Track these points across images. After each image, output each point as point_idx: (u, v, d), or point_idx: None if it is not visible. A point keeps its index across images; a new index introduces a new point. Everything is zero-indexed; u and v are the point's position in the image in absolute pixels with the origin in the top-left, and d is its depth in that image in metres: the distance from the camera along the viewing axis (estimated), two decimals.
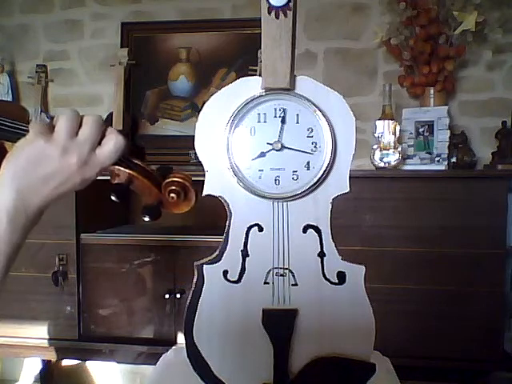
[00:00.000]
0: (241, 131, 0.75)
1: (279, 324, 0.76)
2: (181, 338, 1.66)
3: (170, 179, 0.66)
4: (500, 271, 1.54)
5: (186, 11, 2.12)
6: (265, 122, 0.76)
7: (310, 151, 0.75)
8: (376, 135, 1.70)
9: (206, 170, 0.76)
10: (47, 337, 1.72)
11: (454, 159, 1.78)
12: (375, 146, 1.69)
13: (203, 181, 0.76)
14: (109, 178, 0.65)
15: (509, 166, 1.62)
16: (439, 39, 1.79)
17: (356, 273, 0.77)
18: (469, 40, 1.77)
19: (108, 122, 2.02)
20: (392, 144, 1.67)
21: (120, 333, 1.70)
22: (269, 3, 0.71)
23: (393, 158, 1.67)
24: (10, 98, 2.15)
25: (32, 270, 1.69)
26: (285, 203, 0.76)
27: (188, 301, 0.79)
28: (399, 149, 1.67)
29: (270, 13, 0.71)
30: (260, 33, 0.72)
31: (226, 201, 0.76)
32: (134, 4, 2.16)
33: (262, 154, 0.75)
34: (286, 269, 0.76)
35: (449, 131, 1.74)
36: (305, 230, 0.76)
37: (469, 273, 1.53)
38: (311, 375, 0.78)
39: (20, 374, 2.21)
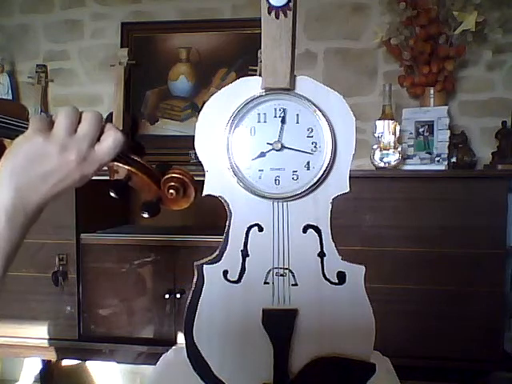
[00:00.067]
0: (241, 131, 0.75)
1: (279, 324, 0.76)
2: (181, 338, 1.66)
3: (169, 175, 0.66)
4: (500, 271, 1.54)
5: (185, 11, 2.12)
6: (265, 122, 0.76)
7: (310, 151, 0.75)
8: (376, 135, 1.70)
9: (206, 170, 0.76)
10: (47, 337, 1.72)
11: (453, 159, 1.78)
12: (375, 146, 1.69)
13: (203, 181, 0.76)
14: (108, 175, 0.65)
15: (509, 166, 1.62)
16: (439, 39, 1.79)
17: (356, 273, 0.77)
18: (469, 40, 1.77)
19: (108, 122, 2.02)
20: (392, 144, 1.67)
21: (120, 333, 1.70)
22: (269, 3, 0.71)
23: (393, 157, 1.67)
24: (10, 98, 2.15)
25: (32, 270, 1.69)
26: (285, 203, 0.76)
27: (188, 301, 0.79)
28: (399, 149, 1.67)
29: (270, 13, 0.71)
30: (260, 33, 0.72)
31: (226, 201, 0.76)
32: (133, 4, 2.16)
33: (262, 154, 0.75)
34: (286, 269, 0.76)
35: (449, 131, 1.74)
36: (305, 229, 0.76)
37: (469, 273, 1.53)
38: (311, 375, 0.78)
39: (20, 373, 2.21)
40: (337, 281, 0.77)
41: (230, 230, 0.77)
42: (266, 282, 0.77)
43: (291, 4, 0.71)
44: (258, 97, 0.74)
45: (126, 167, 0.63)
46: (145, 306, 1.68)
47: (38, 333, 1.71)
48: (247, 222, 0.76)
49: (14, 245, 0.54)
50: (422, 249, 1.54)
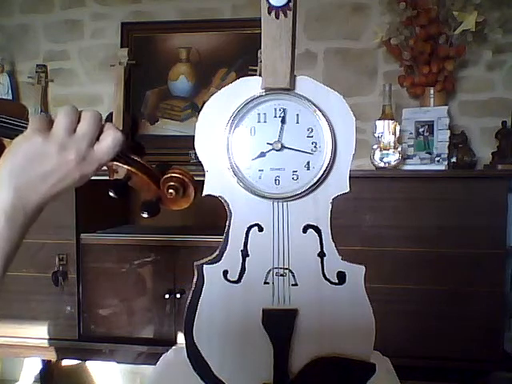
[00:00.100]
0: (241, 131, 0.75)
1: (279, 324, 0.76)
2: (181, 338, 1.66)
3: (169, 175, 0.65)
4: (500, 271, 1.54)
5: (186, 11, 2.12)
6: (265, 122, 0.76)
7: (310, 151, 0.75)
8: (376, 135, 1.70)
9: (206, 170, 0.76)
10: (47, 337, 1.72)
11: (454, 159, 1.78)
12: (375, 146, 1.69)
13: (203, 181, 0.76)
14: (107, 175, 0.64)
15: (509, 166, 1.62)
16: (439, 39, 1.79)
17: (356, 273, 0.77)
18: (469, 40, 1.77)
19: (108, 122, 2.02)
20: (392, 144, 1.67)
21: (120, 333, 1.70)
22: (269, 3, 0.71)
23: (393, 157, 1.67)
24: (10, 98, 2.15)
25: (32, 270, 1.69)
26: (285, 203, 0.76)
27: (188, 301, 0.79)
28: (399, 149, 1.67)
29: (270, 13, 0.71)
30: (260, 33, 0.72)
31: (226, 201, 0.76)
32: (133, 4, 2.16)
33: (262, 154, 0.75)
34: (286, 269, 0.76)
35: (449, 131, 1.74)
36: (305, 229, 0.76)
37: (469, 273, 1.53)
38: (311, 375, 0.78)
39: (20, 373, 2.21)
40: (337, 281, 0.77)
41: (230, 230, 0.77)
42: (265, 282, 0.77)
43: (291, 4, 0.71)
44: (257, 97, 0.74)
45: (126, 167, 0.63)
46: (145, 306, 1.68)
47: (38, 333, 1.71)
48: (247, 222, 0.76)
49: (14, 244, 0.54)
50: (422, 249, 1.54)
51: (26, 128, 0.55)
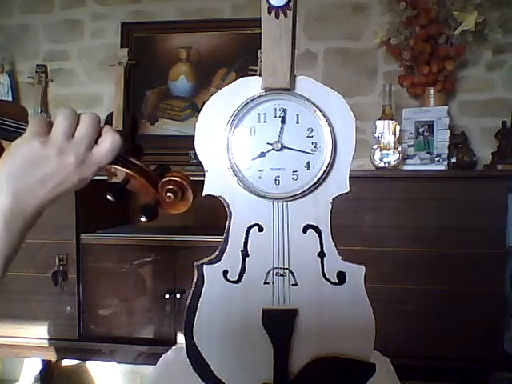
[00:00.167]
0: (241, 131, 0.75)
1: (279, 324, 0.76)
2: (181, 338, 1.66)
3: (167, 178, 0.65)
4: (500, 271, 1.54)
5: (186, 11, 2.12)
6: (265, 122, 0.76)
7: (310, 151, 0.75)
8: (376, 135, 1.70)
9: (206, 169, 0.76)
10: (47, 337, 1.72)
11: (454, 159, 1.78)
12: (375, 146, 1.69)
13: (203, 181, 0.76)
14: (106, 177, 0.64)
15: (509, 166, 1.62)
16: (439, 39, 1.79)
17: (356, 273, 0.77)
18: (469, 40, 1.77)
19: (108, 122, 2.03)
20: (392, 144, 1.67)
21: (120, 333, 1.70)
22: (269, 3, 0.71)
23: (393, 157, 1.67)
24: (9, 98, 2.15)
25: (32, 270, 1.69)
26: (285, 203, 0.76)
27: (188, 301, 0.79)
28: (399, 149, 1.67)
29: (270, 13, 0.71)
30: (260, 33, 0.72)
31: (226, 201, 0.76)
32: (133, 4, 2.16)
33: (262, 154, 0.75)
34: (286, 269, 0.76)
35: (449, 131, 1.74)
36: (305, 229, 0.76)
37: (469, 273, 1.53)
38: (311, 375, 0.78)
39: (20, 373, 2.21)
40: (337, 281, 0.77)
41: (230, 230, 0.77)
42: (265, 282, 0.77)
43: (291, 4, 0.71)
44: (257, 97, 0.74)
45: (124, 170, 0.62)
46: (145, 306, 1.68)
47: (38, 333, 1.71)
48: (247, 222, 0.76)
49: (13, 248, 0.54)
50: (422, 249, 1.54)
51: (25, 130, 0.55)
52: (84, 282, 1.70)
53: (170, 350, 0.97)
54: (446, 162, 1.71)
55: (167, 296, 1.64)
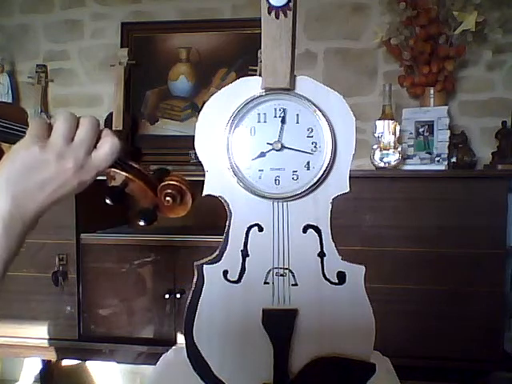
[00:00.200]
0: (241, 131, 0.75)
1: (279, 324, 0.76)
2: (181, 338, 1.66)
3: (166, 182, 0.65)
4: (500, 271, 1.54)
5: (186, 11, 2.12)
6: (265, 122, 0.76)
7: (310, 151, 0.75)
8: (376, 135, 1.70)
9: (206, 169, 0.76)
10: (47, 337, 1.72)
11: (454, 159, 1.78)
12: (375, 146, 1.69)
13: (203, 181, 0.76)
14: (105, 179, 0.64)
15: (509, 166, 1.62)
16: (439, 39, 1.79)
17: (356, 273, 0.77)
18: (469, 40, 1.77)
19: (108, 121, 2.03)
20: (392, 144, 1.67)
21: (120, 333, 1.70)
22: (269, 3, 0.71)
23: (393, 157, 1.67)
24: (10, 98, 2.15)
25: (32, 270, 1.69)
26: (285, 203, 0.76)
27: (188, 301, 0.79)
28: (399, 149, 1.67)
29: (270, 13, 0.71)
30: (260, 33, 0.72)
31: (226, 201, 0.76)
32: (133, 4, 2.16)
33: (262, 154, 0.76)
34: (286, 269, 0.77)
35: (449, 131, 1.74)
36: (305, 230, 0.76)
37: (469, 273, 1.53)
38: (311, 375, 0.78)
39: (20, 373, 2.21)
40: (337, 281, 0.77)
41: (230, 230, 0.77)
42: (266, 282, 0.77)
43: (291, 4, 0.71)
44: (258, 97, 0.74)
45: (123, 173, 0.62)
46: (145, 306, 1.68)
47: (38, 333, 1.71)
48: (247, 222, 0.76)
49: (12, 252, 0.53)
50: (422, 249, 1.54)
51: (25, 133, 0.55)
52: (84, 282, 1.70)
53: (170, 350, 0.97)
54: (445, 162, 1.71)
55: (167, 296, 1.64)
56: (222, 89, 0.76)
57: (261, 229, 0.76)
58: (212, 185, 0.76)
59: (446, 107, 1.77)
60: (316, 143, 0.75)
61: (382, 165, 1.67)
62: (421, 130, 1.76)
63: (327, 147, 0.74)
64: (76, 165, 0.55)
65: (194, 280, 0.78)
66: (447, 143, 1.73)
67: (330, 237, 0.76)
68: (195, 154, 0.76)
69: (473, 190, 1.54)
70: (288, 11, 0.71)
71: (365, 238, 1.56)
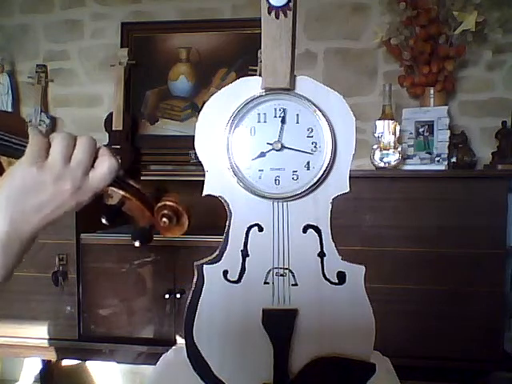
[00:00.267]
0: (241, 131, 0.75)
1: (279, 324, 0.76)
2: (180, 340, 1.66)
3: (163, 203, 0.65)
4: (500, 271, 1.54)
5: (185, 11, 2.12)
6: (265, 122, 0.76)
7: (310, 151, 0.75)
8: (376, 135, 1.70)
9: (206, 169, 0.76)
10: (47, 337, 1.72)
11: (454, 159, 1.78)
12: (375, 146, 1.69)
13: (203, 181, 0.76)
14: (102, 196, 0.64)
15: (509, 166, 1.62)
16: (439, 39, 1.79)
17: (356, 273, 0.77)
18: (469, 40, 1.77)
19: (108, 121, 2.03)
20: (392, 144, 1.67)
21: (120, 333, 1.70)
22: (269, 3, 0.71)
23: (393, 157, 1.67)
24: (10, 98, 2.15)
25: (32, 270, 1.69)
26: (285, 203, 0.76)
27: (188, 301, 0.79)
28: (399, 149, 1.67)
29: (270, 13, 0.71)
30: (260, 33, 0.72)
31: (226, 201, 0.76)
32: (133, 4, 2.16)
33: (262, 154, 0.76)
34: (286, 269, 0.76)
35: (449, 131, 1.74)
36: (305, 230, 0.76)
37: (469, 273, 1.53)
38: (311, 375, 0.78)
39: (20, 373, 2.21)
40: (337, 281, 0.77)
41: (230, 230, 0.77)
42: (266, 282, 0.77)
43: (291, 4, 0.71)
44: (258, 97, 0.74)
45: (121, 192, 0.62)
46: (145, 306, 1.68)
47: (38, 333, 1.71)
48: (247, 222, 0.76)
49: (10, 270, 0.54)
50: (422, 249, 1.54)
51: (24, 147, 0.54)
52: (84, 282, 1.70)
53: (170, 350, 0.97)
54: (445, 162, 1.71)
55: (167, 296, 1.64)
56: (222, 89, 0.76)
57: (261, 229, 0.76)
58: (212, 185, 0.76)
59: (446, 107, 1.77)
60: (316, 143, 0.75)
61: (382, 165, 1.67)
62: (421, 130, 1.76)
63: (327, 147, 0.74)
64: (73, 186, 0.55)
65: (194, 280, 0.78)
66: (447, 143, 1.73)
67: (330, 237, 0.76)
68: (195, 153, 0.76)
69: (473, 190, 1.54)
70: (288, 11, 0.71)
71: (365, 238, 1.56)
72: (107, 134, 2.02)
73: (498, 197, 1.53)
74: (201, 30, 2.10)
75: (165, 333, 1.67)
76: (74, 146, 0.55)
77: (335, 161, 0.75)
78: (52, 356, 1.77)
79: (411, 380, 1.52)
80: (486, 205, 1.53)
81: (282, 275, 0.77)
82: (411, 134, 1.76)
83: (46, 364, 2.11)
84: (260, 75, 0.74)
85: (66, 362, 2.13)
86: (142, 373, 2.08)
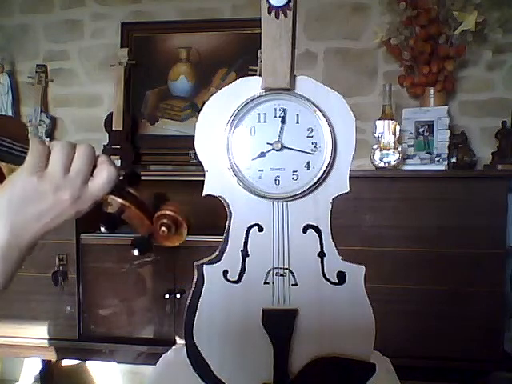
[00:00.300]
0: (241, 131, 0.75)
1: (279, 324, 0.76)
2: (180, 340, 1.66)
3: (162, 212, 0.64)
4: (500, 271, 1.54)
5: (185, 11, 2.12)
6: (265, 122, 0.76)
7: (310, 151, 0.75)
8: (376, 135, 1.70)
9: (206, 169, 0.76)
10: (47, 337, 1.72)
11: (454, 159, 1.78)
12: (375, 146, 1.69)
13: (203, 181, 0.76)
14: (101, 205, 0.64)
15: (509, 166, 1.62)
16: (439, 39, 1.79)
17: (356, 273, 0.77)
18: (469, 40, 1.77)
19: (108, 122, 2.03)
20: (392, 144, 1.67)
21: (120, 333, 1.70)
22: (269, 3, 0.71)
23: (393, 157, 1.67)
24: (10, 98, 2.15)
25: (32, 270, 1.69)
26: (285, 203, 0.76)
27: (188, 301, 0.79)
28: (399, 149, 1.67)
29: (270, 13, 0.71)
30: (260, 33, 0.72)
31: (226, 201, 0.76)
32: (133, 4, 2.16)
33: (262, 154, 0.76)
34: (286, 269, 0.76)
35: (449, 131, 1.74)
36: (305, 230, 0.76)
37: (469, 273, 1.53)
38: (311, 375, 0.78)
39: (20, 373, 2.21)
40: (337, 281, 0.77)
41: (230, 230, 0.77)
42: (266, 282, 0.77)
43: (291, 4, 0.71)
44: (258, 97, 0.74)
45: (120, 200, 0.62)
46: (145, 306, 1.68)
47: (38, 333, 1.71)
48: (247, 222, 0.76)
49: (9, 277, 0.56)
50: (422, 249, 1.54)
51: (25, 153, 0.54)
52: (84, 282, 1.70)
53: (170, 350, 0.97)
54: (445, 162, 1.71)
55: (167, 296, 1.64)
56: (222, 89, 0.76)
57: (261, 229, 0.76)
58: (212, 185, 0.76)
59: (446, 107, 1.77)
60: (316, 143, 0.75)
61: (382, 165, 1.67)
62: (421, 130, 1.76)
63: (327, 147, 0.74)
64: (73, 196, 0.55)
65: (194, 280, 0.78)
66: (447, 143, 1.73)
67: (330, 237, 0.76)
68: (195, 153, 0.76)
69: (473, 190, 1.54)
70: (288, 11, 0.71)
71: (365, 238, 1.56)
72: (107, 134, 2.02)
73: (498, 197, 1.53)
74: (201, 30, 2.10)
75: (165, 333, 1.67)
76: (74, 154, 0.56)
77: (335, 161, 0.75)
78: (52, 356, 1.77)
79: (411, 380, 1.52)
80: (486, 205, 1.53)
81: (282, 275, 0.77)
82: (411, 133, 1.76)
83: (46, 364, 2.11)
84: (260, 75, 0.74)
85: (66, 362, 2.13)
86: (142, 373, 2.08)
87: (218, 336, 0.79)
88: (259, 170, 0.75)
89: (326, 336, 0.77)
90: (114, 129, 2.00)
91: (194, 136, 0.76)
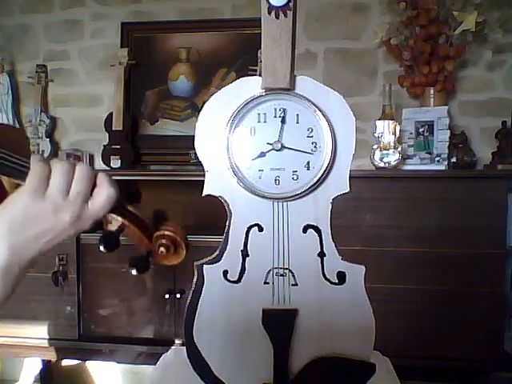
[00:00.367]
0: (241, 131, 0.75)
1: (279, 324, 0.76)
2: (179, 340, 1.66)
3: (161, 232, 0.65)
4: (500, 271, 1.54)
5: (185, 11, 2.12)
6: (265, 122, 0.76)
7: (310, 151, 0.75)
8: (376, 135, 1.70)
9: (206, 169, 0.76)
10: (47, 337, 1.72)
11: (454, 159, 1.78)
12: (375, 146, 1.69)
13: (203, 181, 0.76)
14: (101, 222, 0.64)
15: (509, 166, 1.62)
16: (439, 39, 1.79)
17: (356, 273, 0.77)
18: (469, 40, 1.77)
19: (108, 121, 2.03)
20: (392, 144, 1.67)
21: (120, 333, 1.70)
22: (269, 3, 0.71)
23: (393, 157, 1.67)
24: (10, 98, 2.15)
25: (32, 270, 1.68)
26: (285, 203, 0.76)
27: (188, 301, 0.79)
28: (399, 149, 1.67)
29: (270, 13, 0.71)
30: (260, 33, 0.72)
31: (226, 201, 0.76)
32: (133, 4, 2.16)
33: (262, 154, 0.75)
34: (286, 269, 0.76)
35: (449, 131, 1.74)
36: (305, 229, 0.76)
37: (469, 273, 1.53)
38: (311, 375, 0.78)
39: (20, 373, 2.21)
40: (337, 281, 0.77)
41: (230, 230, 0.77)
42: (266, 282, 0.77)
43: (291, 4, 0.71)
44: (258, 97, 0.74)
45: (120, 219, 0.63)
46: (145, 306, 1.68)
47: (38, 333, 1.71)
48: (247, 222, 0.76)
49: (9, 293, 0.55)
50: (422, 249, 1.54)
51: (24, 167, 0.55)
52: (84, 282, 1.70)
53: (170, 350, 0.97)
54: (445, 162, 1.71)
55: (167, 296, 1.64)
56: (222, 89, 0.76)
57: (261, 229, 0.76)
58: (212, 185, 0.76)
59: (446, 107, 1.77)
60: (316, 143, 0.75)
61: (382, 165, 1.67)
62: (421, 130, 1.76)
63: (327, 147, 0.74)
64: (73, 217, 0.56)
65: (194, 280, 0.78)
66: (447, 143, 1.73)
67: (330, 237, 0.76)
68: (195, 153, 0.76)
69: (473, 190, 1.54)
70: (288, 11, 0.71)
71: (365, 238, 1.56)
72: (107, 134, 2.02)
73: (498, 197, 1.53)
74: (201, 30, 2.10)
75: (165, 333, 1.67)
76: (73, 174, 0.56)
77: (335, 161, 0.75)
78: (52, 356, 1.77)
79: (411, 380, 1.52)
80: (486, 205, 1.53)
81: (282, 275, 0.77)
82: (411, 134, 1.76)
83: (46, 364, 2.11)
84: (260, 75, 0.74)
85: (66, 362, 2.13)
86: (142, 373, 2.08)
87: (218, 336, 0.79)
88: (259, 170, 0.75)
89: (326, 336, 0.77)
90: (114, 129, 2.00)
91: (194, 136, 0.76)
